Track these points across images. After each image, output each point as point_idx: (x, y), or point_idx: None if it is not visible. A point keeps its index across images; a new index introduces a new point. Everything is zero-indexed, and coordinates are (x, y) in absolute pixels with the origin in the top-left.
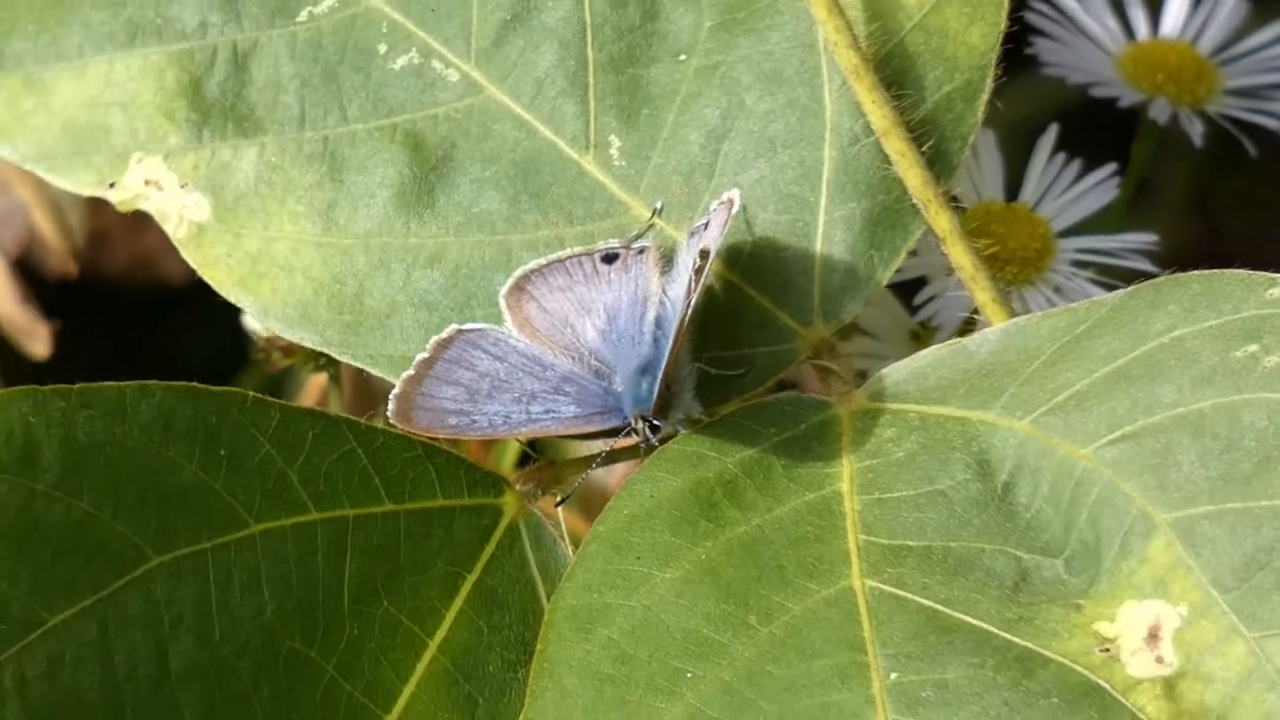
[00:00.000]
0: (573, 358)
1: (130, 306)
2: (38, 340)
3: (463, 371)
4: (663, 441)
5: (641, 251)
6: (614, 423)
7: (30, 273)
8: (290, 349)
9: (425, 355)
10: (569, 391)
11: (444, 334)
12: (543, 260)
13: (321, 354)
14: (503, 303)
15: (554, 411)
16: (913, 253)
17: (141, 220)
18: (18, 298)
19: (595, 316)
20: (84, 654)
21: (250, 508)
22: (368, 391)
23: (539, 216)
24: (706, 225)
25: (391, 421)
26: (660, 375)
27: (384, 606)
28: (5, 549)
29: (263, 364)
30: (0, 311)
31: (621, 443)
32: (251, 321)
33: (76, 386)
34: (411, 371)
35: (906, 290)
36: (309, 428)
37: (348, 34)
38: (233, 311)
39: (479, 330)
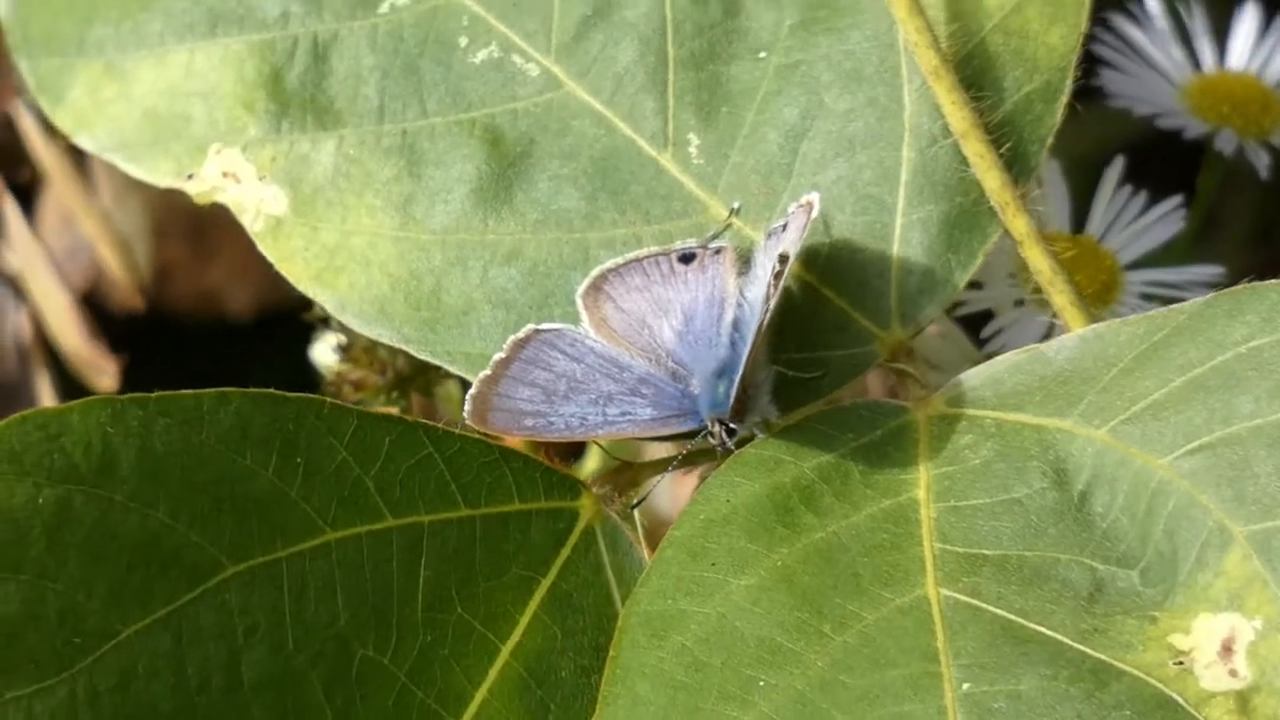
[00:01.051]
0: (649, 359)
1: (196, 341)
2: (105, 375)
3: (539, 372)
4: (739, 445)
5: (719, 252)
6: (690, 425)
7: (97, 308)
8: (361, 383)
9: (502, 355)
10: (645, 393)
11: (521, 334)
12: (620, 260)
13: (393, 388)
14: (580, 302)
15: (630, 414)
16: (979, 285)
17: (207, 253)
18: (85, 333)
19: (672, 317)
20: (157, 665)
21: (325, 515)
22: (434, 420)
23: (616, 214)
24: (785, 227)
25: (468, 422)
26: (738, 378)
27: (458, 612)
28: (82, 561)
29: (333, 398)
30: (68, 346)
31: (698, 446)
32: (320, 355)
33: (154, 395)
34: (488, 371)
35: (973, 325)
36: (385, 434)
37: (429, 26)
38: (299, 345)
39: (556, 330)
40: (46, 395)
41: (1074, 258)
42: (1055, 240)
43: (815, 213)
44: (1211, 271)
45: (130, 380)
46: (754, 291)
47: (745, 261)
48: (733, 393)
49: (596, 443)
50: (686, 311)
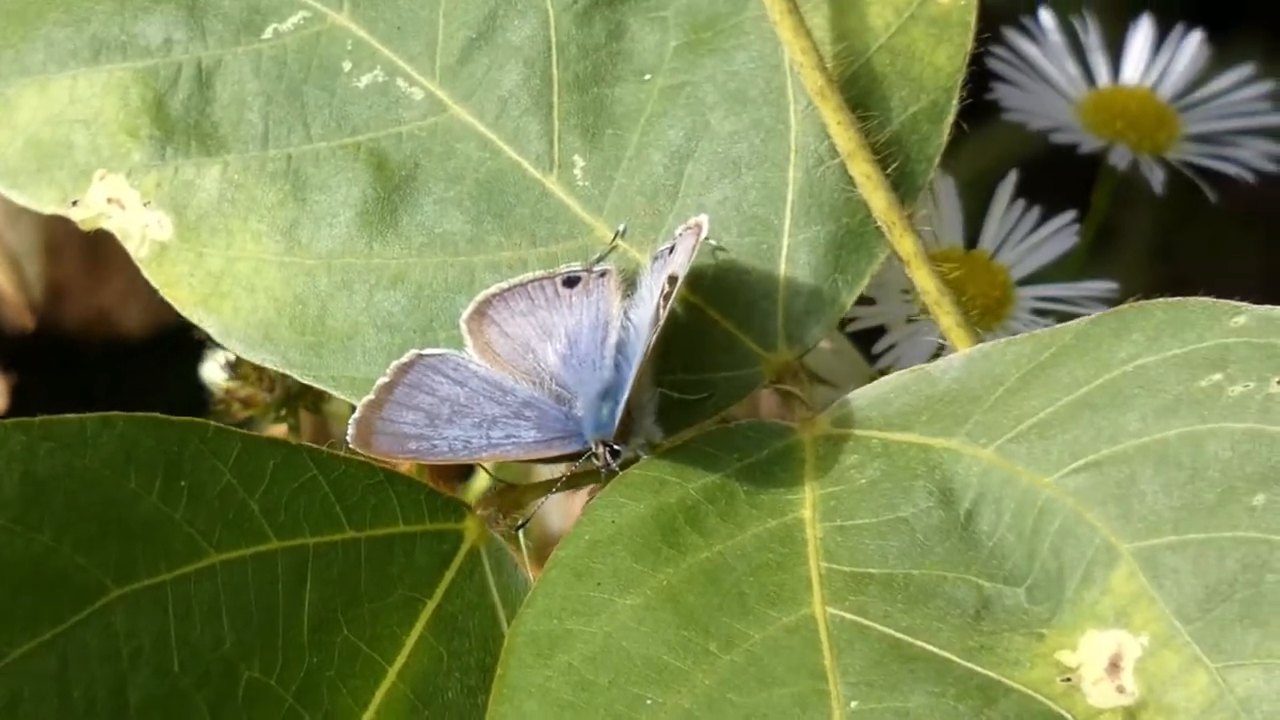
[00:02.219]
0: (534, 382)
1: (89, 360)
2: None
3: (423, 396)
4: (624, 466)
5: (603, 275)
6: (575, 448)
7: None
8: (250, 400)
9: (386, 380)
10: (529, 416)
11: (404, 358)
12: (505, 284)
13: (281, 405)
14: (464, 328)
15: (515, 436)
16: (871, 301)
17: (100, 272)
18: None
19: (557, 341)
20: (43, 689)
21: (210, 538)
22: (325, 439)
23: (502, 237)
24: (672, 250)
25: (351, 446)
26: (622, 401)
27: (344, 634)
28: None
29: (222, 415)
30: None
31: (583, 468)
32: (210, 373)
33: (38, 419)
34: (372, 396)
35: (865, 339)
36: (270, 457)
37: (312, 51)
38: (190, 364)
39: (439, 355)
40: None
41: (966, 273)
42: (946, 258)
43: (704, 234)
44: (1104, 287)
45: (20, 399)
46: (639, 314)
47: (630, 284)
48: (617, 415)
49: (481, 466)
50: (571, 335)
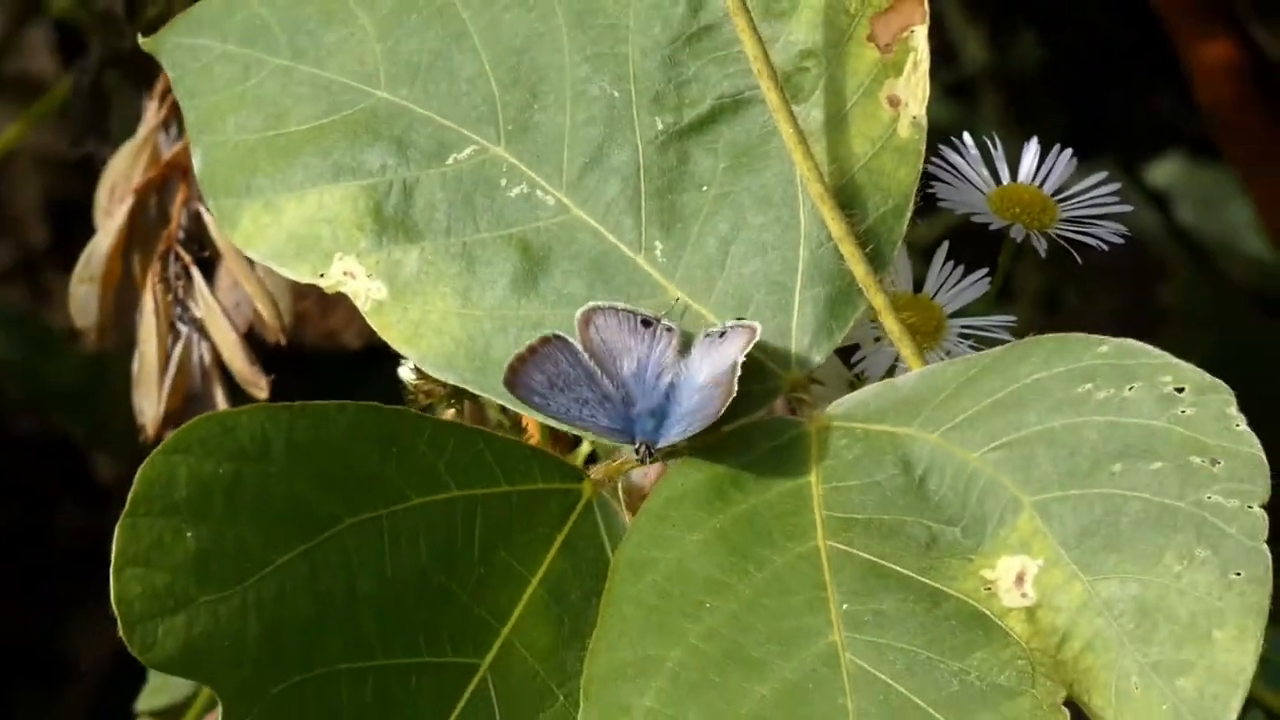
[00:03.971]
0: (613, 384)
1: (322, 366)
2: (260, 389)
3: (549, 366)
4: (654, 461)
5: (669, 330)
6: (627, 441)
7: (254, 343)
8: (431, 393)
9: (531, 344)
10: (606, 408)
11: (544, 334)
12: (607, 303)
13: (452, 397)
14: (576, 323)
15: (594, 419)
16: None
17: (329, 307)
18: (246, 359)
19: (630, 361)
20: (299, 584)
21: (412, 488)
22: (481, 417)
23: (607, 296)
24: (723, 335)
25: (504, 384)
26: (665, 422)
27: (501, 554)
28: (249, 512)
29: (412, 402)
30: (235, 368)
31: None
32: (405, 374)
33: (298, 404)
34: (522, 351)
35: (845, 352)
36: (451, 435)
37: (479, 172)
38: (392, 369)
39: (563, 339)
40: (221, 401)
41: (915, 310)
42: (900, 298)
43: (757, 337)
44: (1007, 320)
45: (276, 392)
46: (687, 365)
47: (685, 344)
48: (660, 429)
49: (581, 434)
50: (640, 360)
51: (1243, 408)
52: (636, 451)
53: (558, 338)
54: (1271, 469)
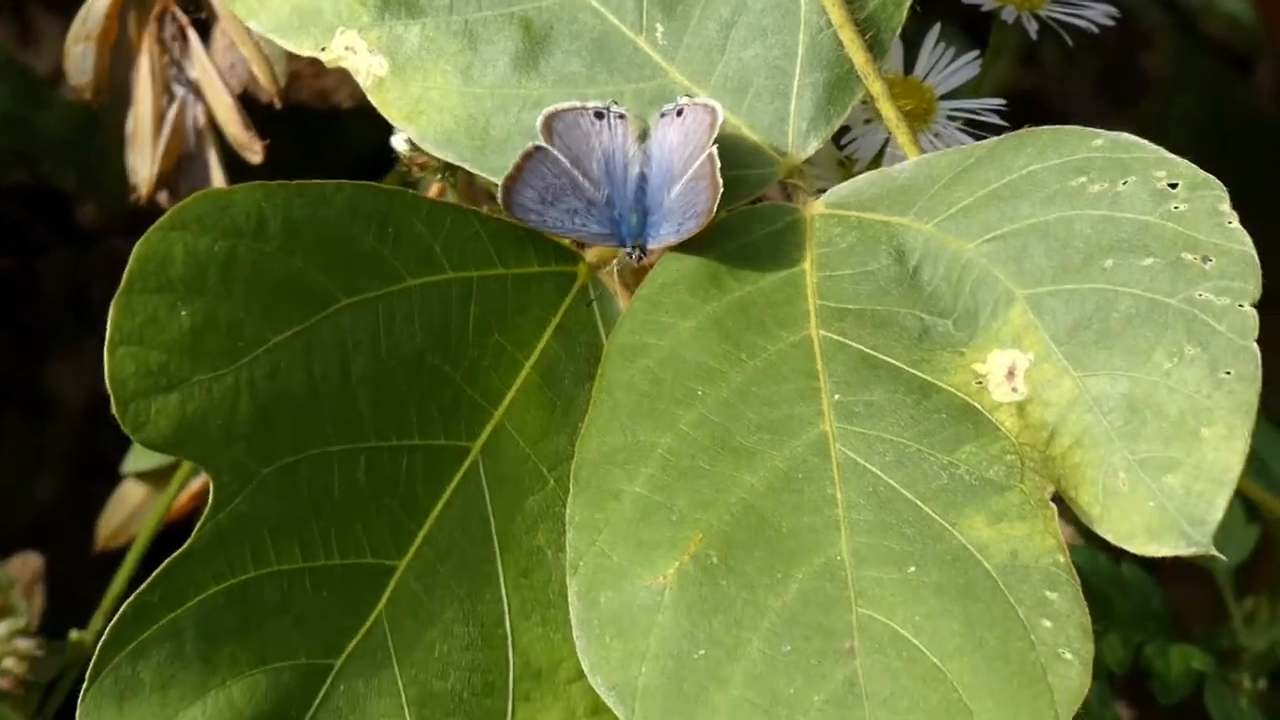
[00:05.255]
0: (594, 187)
1: (313, 125)
2: (254, 152)
3: (537, 180)
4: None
5: (622, 116)
6: (617, 244)
7: (249, 104)
8: (424, 165)
9: (517, 162)
10: (593, 214)
11: (527, 148)
12: (561, 105)
13: (445, 167)
14: (539, 135)
15: (586, 227)
16: None
17: (322, 67)
18: (240, 122)
19: (597, 159)
20: (293, 364)
21: (408, 268)
22: (473, 193)
23: (607, 77)
24: (679, 113)
25: (500, 205)
26: (649, 217)
27: (495, 337)
28: (244, 290)
29: (404, 172)
30: (230, 131)
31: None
32: (397, 142)
33: (294, 182)
34: (510, 171)
35: (835, 134)
36: (448, 215)
37: None
38: (382, 130)
39: (543, 149)
40: (215, 163)
41: (905, 91)
42: (892, 82)
43: (719, 119)
44: (996, 102)
45: (270, 152)
46: (649, 152)
47: (643, 132)
48: (645, 225)
49: (578, 240)
50: (605, 157)
51: (1223, 174)
52: (629, 254)
53: (539, 149)
54: (1252, 229)
